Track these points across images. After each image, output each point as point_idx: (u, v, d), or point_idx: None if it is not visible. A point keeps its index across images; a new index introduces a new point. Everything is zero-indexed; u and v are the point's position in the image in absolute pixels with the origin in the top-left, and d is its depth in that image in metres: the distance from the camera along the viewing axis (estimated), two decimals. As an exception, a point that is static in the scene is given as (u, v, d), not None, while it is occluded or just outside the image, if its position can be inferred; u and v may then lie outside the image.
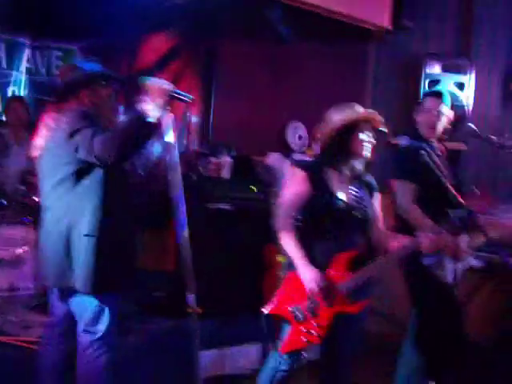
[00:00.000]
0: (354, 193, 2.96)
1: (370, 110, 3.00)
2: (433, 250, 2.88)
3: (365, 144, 2.92)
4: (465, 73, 5.72)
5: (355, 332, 3.05)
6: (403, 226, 3.40)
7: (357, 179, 3.00)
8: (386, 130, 2.99)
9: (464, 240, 3.24)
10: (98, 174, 2.75)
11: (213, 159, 4.76)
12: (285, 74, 6.00)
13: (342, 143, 2.91)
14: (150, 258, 5.96)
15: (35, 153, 2.93)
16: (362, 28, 6.15)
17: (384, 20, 6.00)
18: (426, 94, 3.64)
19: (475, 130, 3.71)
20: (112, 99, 2.98)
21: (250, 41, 5.74)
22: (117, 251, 2.84)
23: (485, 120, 5.96)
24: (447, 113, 3.55)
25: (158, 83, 2.62)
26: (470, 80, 5.72)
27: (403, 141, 3.19)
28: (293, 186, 2.97)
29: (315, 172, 2.93)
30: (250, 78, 5.89)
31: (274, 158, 5.28)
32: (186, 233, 2.69)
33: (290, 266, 2.91)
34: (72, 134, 2.67)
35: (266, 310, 2.90)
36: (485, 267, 3.60)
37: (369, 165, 3.02)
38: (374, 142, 2.94)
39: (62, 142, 2.72)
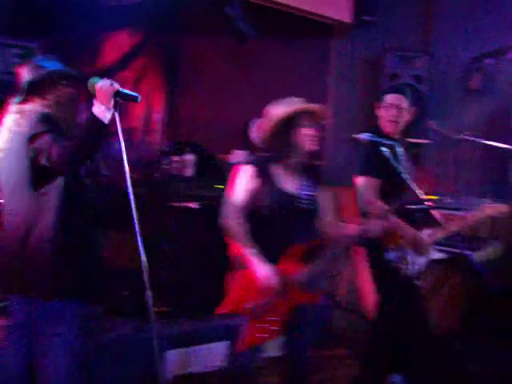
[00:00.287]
0: (302, 185, 3.00)
1: (312, 104, 3.03)
2: (380, 235, 2.96)
3: (308, 136, 2.95)
4: (423, 67, 5.81)
5: (313, 322, 3.10)
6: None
7: (304, 172, 3.04)
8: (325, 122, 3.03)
9: (426, 233, 3.30)
10: (58, 178, 2.71)
11: (176, 157, 4.74)
12: (248, 71, 6.00)
13: (284, 137, 2.94)
14: (118, 258, 5.93)
15: None
16: (323, 23, 6.19)
17: (345, 15, 6.06)
18: (387, 90, 3.65)
19: (435, 125, 3.78)
20: (74, 99, 2.92)
21: (212, 38, 5.73)
22: (78, 256, 2.80)
23: (444, 113, 6.06)
24: (408, 108, 3.59)
25: (103, 84, 2.58)
26: (429, 73, 5.81)
27: (364, 136, 3.21)
28: (241, 182, 2.97)
29: (263, 167, 2.95)
30: (213, 75, 5.89)
31: (238, 156, 5.28)
32: (137, 231, 2.66)
33: (243, 263, 2.91)
34: (32, 139, 2.63)
35: (222, 310, 2.90)
36: (446, 260, 3.66)
37: (314, 157, 3.07)
38: (317, 134, 2.98)
39: (21, 145, 2.68)
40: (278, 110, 2.98)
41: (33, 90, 2.80)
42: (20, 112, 2.79)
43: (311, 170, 3.10)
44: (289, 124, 2.94)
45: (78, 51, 6.01)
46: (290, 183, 2.98)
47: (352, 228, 2.95)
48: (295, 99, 3.03)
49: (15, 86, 2.90)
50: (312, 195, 3.01)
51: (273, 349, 3.10)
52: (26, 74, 2.85)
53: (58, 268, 2.72)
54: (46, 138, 2.60)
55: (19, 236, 2.73)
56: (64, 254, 2.73)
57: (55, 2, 5.44)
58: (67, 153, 2.54)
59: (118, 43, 6.15)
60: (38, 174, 2.69)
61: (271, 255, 2.86)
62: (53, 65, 2.91)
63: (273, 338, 2.91)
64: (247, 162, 3.05)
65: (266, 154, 3.05)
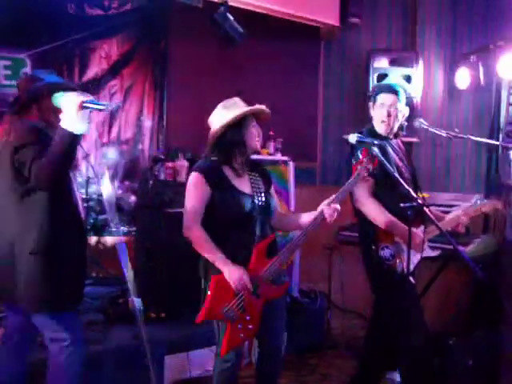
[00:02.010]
0: (253, 184, 3.05)
1: (257, 105, 3.07)
2: (335, 219, 2.98)
3: (255, 136, 3.02)
4: (412, 66, 5.85)
5: (281, 312, 3.17)
6: (361, 219, 3.48)
7: (253, 171, 3.11)
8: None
9: (419, 231, 3.33)
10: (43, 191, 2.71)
11: (169, 163, 4.75)
12: (237, 75, 6.02)
13: (233, 139, 2.98)
14: (115, 265, 5.93)
15: None
16: (311, 27, 6.23)
17: (332, 18, 6.10)
18: (380, 89, 3.65)
19: (424, 124, 3.80)
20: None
21: (201, 44, 5.74)
22: (65, 267, 2.80)
23: (432, 112, 6.11)
24: (402, 109, 3.60)
25: (68, 97, 2.61)
26: (417, 73, 5.85)
27: (354, 137, 3.23)
28: (193, 190, 2.98)
29: (212, 172, 2.97)
30: (203, 80, 5.89)
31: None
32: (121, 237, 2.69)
33: (210, 269, 2.94)
34: (16, 149, 2.65)
35: (198, 320, 2.92)
36: (440, 257, 3.68)
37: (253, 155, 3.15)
38: (260, 133, 3.06)
39: (8, 156, 2.69)
40: (227, 112, 3.02)
41: (31, 101, 2.83)
42: (12, 123, 2.81)
43: (258, 168, 3.17)
44: (237, 125, 2.98)
45: (67, 61, 6.03)
46: (242, 183, 3.03)
47: (313, 215, 2.99)
48: (237, 100, 3.08)
49: (17, 98, 2.93)
50: (264, 193, 3.06)
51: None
52: (24, 86, 2.88)
53: (43, 281, 2.72)
54: (30, 152, 2.62)
55: (6, 246, 2.73)
56: (50, 266, 2.73)
57: (43, 12, 5.45)
58: (45, 171, 2.56)
59: (107, 52, 6.16)
60: (22, 185, 2.70)
61: (237, 256, 2.91)
62: (51, 77, 2.95)
63: (252, 336, 2.99)
64: (195, 169, 3.04)
65: (214, 158, 3.05)
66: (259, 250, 2.93)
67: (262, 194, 3.04)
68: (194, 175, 3.00)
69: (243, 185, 3.03)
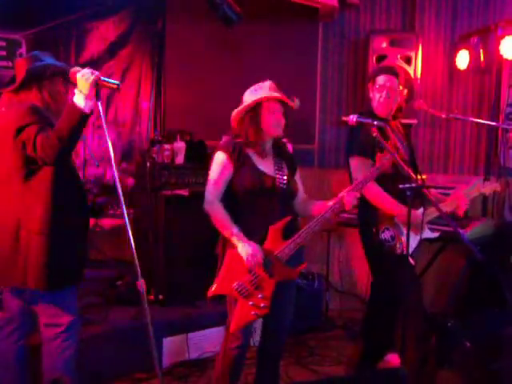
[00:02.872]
0: (275, 166, 3.10)
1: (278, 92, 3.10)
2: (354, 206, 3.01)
3: (273, 122, 3.05)
4: (411, 47, 5.81)
5: (292, 294, 3.23)
6: (361, 201, 3.46)
7: (277, 154, 3.16)
8: (295, 104, 3.13)
9: (419, 212, 3.32)
10: (47, 169, 2.73)
11: (166, 145, 4.72)
12: (235, 56, 5.97)
13: (252, 123, 3.05)
14: (112, 248, 5.93)
15: None
16: (310, 7, 6.17)
17: (331, -2, 6.04)
18: (380, 71, 3.63)
19: (424, 105, 3.78)
20: (66, 93, 2.95)
21: (198, 24, 5.69)
22: (69, 247, 2.83)
23: (432, 93, 6.08)
24: (401, 90, 3.58)
25: (84, 73, 2.61)
26: (416, 54, 5.81)
27: (353, 118, 3.21)
28: (217, 168, 3.06)
29: (235, 151, 3.04)
30: (201, 62, 5.85)
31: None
32: (125, 219, 2.69)
33: (227, 244, 2.99)
34: (19, 130, 2.65)
35: (210, 293, 2.96)
36: (439, 238, 3.68)
37: (280, 139, 3.19)
38: (282, 119, 3.07)
39: (10, 137, 2.69)
40: (249, 96, 3.10)
41: (30, 81, 2.82)
42: (9, 104, 2.80)
43: (284, 153, 3.21)
44: (255, 109, 3.05)
45: (63, 42, 5.98)
46: (264, 164, 3.08)
47: (331, 202, 3.01)
48: (264, 85, 3.11)
49: (15, 76, 2.91)
50: (285, 175, 3.10)
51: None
52: (23, 65, 2.86)
53: (49, 260, 2.73)
54: (32, 129, 2.63)
55: (10, 227, 2.74)
56: (55, 245, 2.75)
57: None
58: (51, 142, 2.57)
59: (104, 33, 6.11)
60: (26, 165, 2.71)
61: (254, 234, 2.97)
62: (50, 60, 2.95)
63: (262, 314, 2.99)
64: (220, 148, 3.11)
65: (240, 139, 3.11)
66: (275, 230, 2.97)
67: (285, 177, 3.09)
68: (218, 153, 3.08)
69: (266, 166, 3.08)
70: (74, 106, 2.59)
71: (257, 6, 5.76)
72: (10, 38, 5.84)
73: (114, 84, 2.67)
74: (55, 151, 2.58)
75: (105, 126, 2.79)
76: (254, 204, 3.01)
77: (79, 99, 2.58)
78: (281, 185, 3.06)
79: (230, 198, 3.05)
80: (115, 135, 6.12)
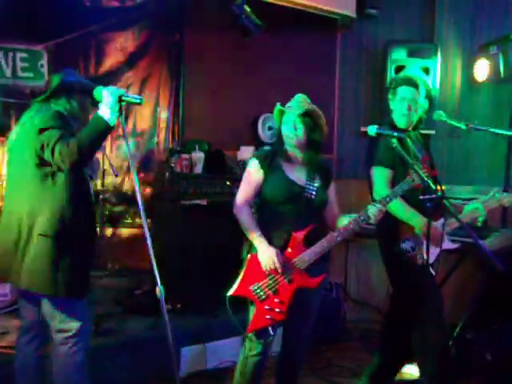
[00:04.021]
0: (306, 177, 3.13)
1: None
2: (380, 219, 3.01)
3: (288, 135, 3.10)
4: (430, 57, 5.79)
5: (313, 306, 3.21)
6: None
7: (313, 165, 3.17)
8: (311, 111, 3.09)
9: (439, 223, 3.30)
10: (61, 174, 2.79)
11: (185, 155, 4.75)
12: (253, 67, 6.00)
13: (278, 134, 3.19)
14: (131, 257, 5.96)
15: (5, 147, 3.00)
16: (328, 17, 6.18)
17: (349, 9, 6.04)
18: (400, 82, 3.61)
19: (443, 116, 3.76)
20: (89, 111, 3.06)
21: (217, 34, 5.72)
22: (75, 253, 2.84)
23: (450, 104, 6.05)
24: (422, 102, 3.56)
25: (109, 90, 2.73)
26: (435, 64, 5.79)
27: (373, 129, 3.20)
28: (248, 174, 3.16)
29: (268, 159, 3.12)
30: (219, 72, 5.88)
31: (246, 152, 5.29)
32: (145, 228, 2.72)
33: (252, 248, 3.05)
34: (41, 131, 2.72)
35: (229, 292, 3.00)
36: (459, 249, 3.66)
37: (316, 151, 3.16)
38: (295, 132, 3.09)
39: (31, 137, 2.76)
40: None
41: (60, 91, 2.92)
42: (38, 110, 2.88)
43: (319, 164, 3.20)
44: (281, 119, 3.16)
45: (83, 53, 6.05)
46: (295, 174, 3.13)
47: (357, 215, 3.02)
48: (295, 97, 3.16)
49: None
50: (317, 186, 3.12)
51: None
52: (57, 78, 2.95)
53: (53, 264, 2.75)
54: (55, 133, 2.70)
55: (19, 225, 2.78)
56: (60, 250, 2.77)
57: (60, 4, 5.45)
58: (70, 149, 2.63)
59: (123, 43, 6.17)
60: (43, 167, 2.76)
61: (277, 240, 3.02)
62: (81, 78, 3.10)
63: (277, 319, 3.00)
64: (253, 155, 3.21)
65: (271, 148, 3.21)
66: (297, 237, 3.01)
67: (315, 188, 3.11)
68: (251, 160, 3.17)
69: (297, 175, 3.12)
70: (100, 117, 2.69)
71: (274, 17, 5.78)
72: (32, 49, 5.93)
73: (138, 99, 2.78)
74: (72, 159, 2.64)
75: (127, 138, 2.90)
76: (280, 211, 3.05)
77: (105, 112, 2.69)
78: (309, 195, 3.08)
79: (260, 203, 3.15)
80: (134, 146, 6.17)
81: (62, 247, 2.77)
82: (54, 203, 2.77)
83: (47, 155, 2.70)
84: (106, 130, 2.71)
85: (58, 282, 2.77)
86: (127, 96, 2.74)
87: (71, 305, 2.88)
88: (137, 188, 2.81)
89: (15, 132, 2.93)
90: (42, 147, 2.71)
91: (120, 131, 5.99)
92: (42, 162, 2.76)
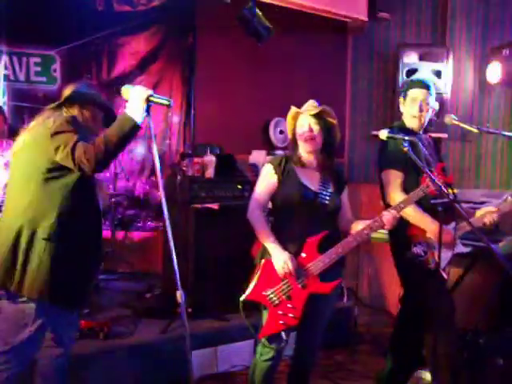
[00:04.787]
0: (320, 182, 3.13)
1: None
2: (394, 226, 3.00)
3: (300, 137, 3.11)
4: (442, 61, 5.78)
5: (326, 311, 3.21)
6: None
7: (327, 171, 3.17)
8: (318, 111, 3.08)
9: (450, 227, 3.29)
10: (68, 178, 2.70)
11: (197, 159, 4.76)
12: (265, 71, 6.02)
13: (293, 137, 3.19)
14: (141, 260, 5.99)
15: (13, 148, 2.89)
16: (339, 21, 6.19)
17: (360, 13, 6.05)
18: (412, 85, 3.60)
19: (454, 119, 3.75)
20: (100, 125, 3.00)
21: (228, 39, 5.75)
22: (76, 261, 2.76)
23: (462, 107, 6.03)
24: (433, 104, 3.56)
25: (137, 89, 2.67)
26: (447, 68, 5.78)
27: (384, 132, 3.19)
28: (262, 179, 3.17)
29: (282, 164, 3.12)
30: (231, 76, 5.90)
31: (257, 156, 5.30)
32: (169, 232, 2.69)
33: (266, 252, 3.04)
34: (56, 133, 2.65)
35: (243, 297, 3.01)
36: (471, 254, 3.64)
37: (330, 155, 3.18)
38: (311, 134, 3.08)
39: (42, 139, 2.69)
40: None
41: (74, 99, 2.87)
42: (50, 115, 2.81)
43: (333, 170, 3.21)
44: (292, 124, 3.17)
45: (95, 57, 6.09)
46: (308, 179, 3.12)
47: (371, 221, 3.02)
48: (307, 103, 3.16)
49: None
50: (330, 192, 3.12)
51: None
52: (72, 87, 2.93)
53: (52, 270, 2.67)
54: (69, 136, 2.63)
55: (18, 228, 2.69)
56: (61, 256, 2.69)
57: (72, 9, 5.50)
58: (96, 148, 2.57)
59: (135, 48, 6.21)
60: (50, 171, 2.68)
61: (291, 245, 3.02)
62: (95, 91, 3.05)
63: (290, 324, 3.00)
64: (268, 161, 3.21)
65: (285, 153, 3.22)
66: (311, 243, 3.01)
67: (328, 194, 3.11)
68: (265, 165, 3.19)
69: (310, 181, 3.12)
70: (127, 115, 2.62)
71: (286, 20, 5.79)
72: (45, 54, 5.98)
73: (166, 101, 2.71)
74: (98, 157, 2.57)
75: (153, 139, 2.79)
76: (294, 216, 3.06)
77: (132, 111, 2.63)
78: (323, 200, 3.08)
79: (274, 208, 3.17)
80: (146, 149, 6.20)
81: (63, 253, 2.69)
82: (59, 207, 2.69)
83: (61, 157, 2.62)
84: (132, 129, 2.61)
85: (53, 290, 2.68)
86: (156, 96, 2.67)
87: (43, 314, 2.73)
88: (161, 191, 2.76)
89: (22, 137, 2.83)
90: (57, 149, 2.62)
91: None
92: (51, 166, 2.68)
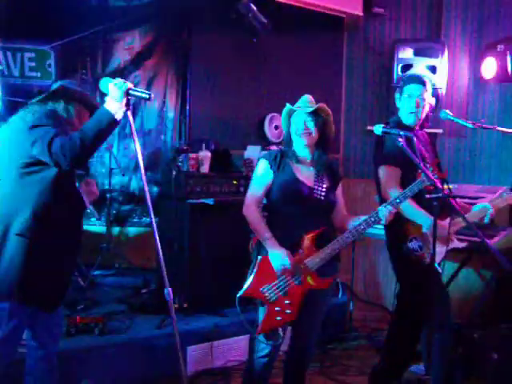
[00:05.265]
0: (315, 177, 3.12)
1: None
2: (391, 221, 3.00)
3: (296, 132, 3.10)
4: (437, 56, 5.78)
5: (323, 306, 3.21)
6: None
7: (322, 167, 3.16)
8: (316, 108, 3.07)
9: (446, 222, 3.29)
10: (46, 173, 2.63)
11: (192, 154, 4.75)
12: (260, 66, 6.01)
13: (286, 134, 3.19)
14: (136, 256, 5.99)
15: None
16: (334, 17, 6.19)
17: (356, 8, 6.05)
18: (408, 80, 3.61)
19: (449, 114, 3.75)
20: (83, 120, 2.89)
21: (224, 34, 5.73)
22: (51, 261, 2.68)
23: (457, 103, 6.04)
24: (429, 100, 3.56)
25: (116, 82, 2.59)
26: (442, 63, 5.78)
27: (379, 128, 3.19)
28: (257, 174, 3.16)
29: (277, 159, 3.12)
30: (226, 72, 5.89)
31: (253, 151, 5.30)
32: (154, 226, 2.68)
33: (262, 248, 3.04)
34: (33, 127, 2.60)
35: (240, 293, 2.99)
36: (465, 248, 3.65)
37: (325, 150, 3.17)
38: (307, 130, 3.08)
39: (20, 132, 2.64)
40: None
41: (60, 94, 2.83)
42: (32, 109, 2.76)
43: (328, 166, 3.20)
44: (288, 120, 3.16)
45: (90, 52, 6.07)
46: (304, 175, 3.11)
47: (367, 216, 3.01)
48: (303, 97, 3.15)
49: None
50: (325, 187, 3.11)
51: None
52: (59, 83, 2.91)
53: (22, 268, 2.60)
54: (47, 130, 2.58)
55: None
56: (33, 252, 2.62)
57: (67, 4, 5.48)
58: (72, 143, 2.50)
59: (130, 43, 6.19)
60: (27, 165, 2.62)
61: (287, 241, 3.00)
62: (82, 90, 2.96)
63: (287, 320, 3.01)
64: (262, 156, 3.21)
65: (280, 148, 3.20)
66: (308, 239, 3.00)
67: (323, 189, 3.11)
68: (260, 161, 3.18)
69: (305, 176, 3.11)
70: (105, 109, 2.56)
71: (281, 15, 5.79)
72: (39, 49, 5.96)
73: (146, 94, 2.65)
74: (74, 153, 2.50)
75: (134, 134, 2.71)
76: (289, 212, 3.05)
77: (111, 106, 2.56)
78: (318, 196, 3.08)
79: (269, 204, 3.16)
80: (141, 144, 6.19)
81: (36, 250, 2.61)
82: (35, 202, 2.61)
83: (38, 151, 2.56)
84: (111, 123, 2.55)
85: (19, 286, 2.60)
86: (135, 90, 2.61)
87: (12, 313, 2.64)
88: (146, 188, 2.72)
89: (2, 130, 2.76)
90: (33, 143, 2.56)
91: (128, 131, 6.02)
92: (29, 161, 2.61)
